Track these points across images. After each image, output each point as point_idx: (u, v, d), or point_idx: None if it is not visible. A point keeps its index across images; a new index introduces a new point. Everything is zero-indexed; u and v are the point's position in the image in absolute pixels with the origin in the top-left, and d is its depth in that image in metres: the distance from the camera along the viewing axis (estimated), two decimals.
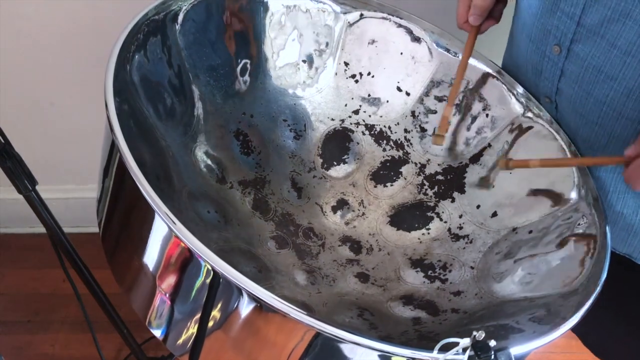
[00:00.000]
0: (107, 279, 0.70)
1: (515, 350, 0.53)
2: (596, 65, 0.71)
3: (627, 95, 0.69)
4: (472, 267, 0.80)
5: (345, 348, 0.55)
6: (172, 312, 0.61)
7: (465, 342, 0.50)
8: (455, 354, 0.51)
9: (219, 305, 0.57)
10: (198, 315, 0.59)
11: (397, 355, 0.54)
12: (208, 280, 0.56)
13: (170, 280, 0.59)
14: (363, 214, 0.90)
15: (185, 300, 0.60)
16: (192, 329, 0.60)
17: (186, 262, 0.58)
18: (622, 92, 0.69)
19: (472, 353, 0.50)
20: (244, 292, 0.55)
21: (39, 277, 1.54)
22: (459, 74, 0.84)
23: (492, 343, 0.50)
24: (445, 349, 0.51)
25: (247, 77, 0.88)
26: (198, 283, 0.57)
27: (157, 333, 0.63)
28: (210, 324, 0.59)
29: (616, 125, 0.73)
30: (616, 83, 0.70)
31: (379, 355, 0.54)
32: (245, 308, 0.56)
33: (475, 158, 0.88)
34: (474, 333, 0.49)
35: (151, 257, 0.60)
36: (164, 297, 0.61)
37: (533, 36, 0.79)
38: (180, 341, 0.62)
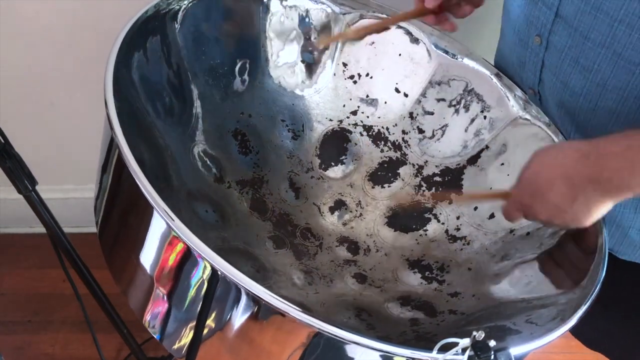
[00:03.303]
0: (107, 279, 0.69)
1: (514, 351, 0.53)
2: (572, 57, 0.72)
3: (602, 86, 0.70)
4: (469, 269, 0.80)
5: (345, 349, 0.55)
6: (170, 310, 0.61)
7: (465, 342, 0.50)
8: (454, 354, 0.51)
9: (218, 304, 0.57)
10: (195, 314, 0.58)
11: (396, 355, 0.54)
12: (206, 279, 0.56)
13: (168, 278, 0.59)
14: (360, 214, 0.90)
15: (182, 299, 0.59)
16: (189, 329, 0.60)
17: (184, 260, 0.57)
18: (597, 84, 0.70)
19: (472, 353, 0.50)
20: (242, 291, 0.54)
21: (39, 277, 1.54)
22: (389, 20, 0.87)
23: (492, 343, 0.50)
24: (444, 349, 0.51)
25: (245, 77, 0.88)
26: (196, 281, 0.57)
27: (154, 332, 0.63)
28: (208, 322, 0.58)
29: (592, 117, 0.73)
30: (591, 74, 0.70)
31: (379, 356, 0.54)
32: (245, 307, 0.56)
33: (473, 160, 0.88)
34: (474, 333, 0.49)
35: (149, 254, 0.60)
36: (161, 295, 0.61)
37: (517, 27, 0.80)
38: (177, 342, 0.62)
